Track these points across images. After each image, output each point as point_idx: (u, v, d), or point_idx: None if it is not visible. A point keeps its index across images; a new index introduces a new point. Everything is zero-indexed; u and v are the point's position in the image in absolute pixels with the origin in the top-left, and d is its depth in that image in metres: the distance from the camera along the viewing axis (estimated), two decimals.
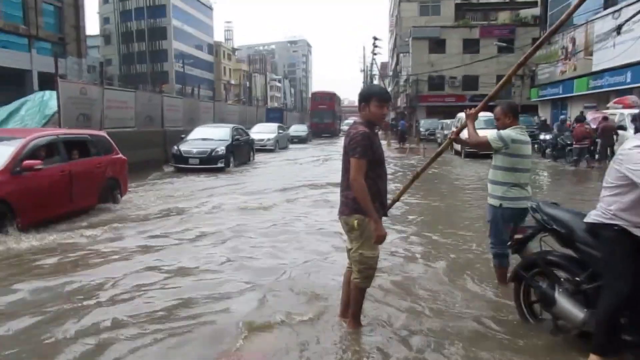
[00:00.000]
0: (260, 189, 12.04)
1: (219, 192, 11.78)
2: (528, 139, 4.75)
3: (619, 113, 18.15)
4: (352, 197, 3.61)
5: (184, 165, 16.28)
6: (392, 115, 51.96)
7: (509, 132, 4.63)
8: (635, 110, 17.70)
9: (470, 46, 43.46)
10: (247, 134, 20.70)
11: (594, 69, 25.87)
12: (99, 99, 15.01)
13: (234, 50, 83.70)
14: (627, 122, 16.94)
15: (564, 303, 3.50)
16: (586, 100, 27.34)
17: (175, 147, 16.69)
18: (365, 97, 3.71)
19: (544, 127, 24.78)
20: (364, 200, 3.52)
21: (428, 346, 3.74)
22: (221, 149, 16.55)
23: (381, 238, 3.61)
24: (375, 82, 64.03)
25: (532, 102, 36.29)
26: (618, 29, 22.87)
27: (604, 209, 3.26)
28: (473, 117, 4.74)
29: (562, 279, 3.59)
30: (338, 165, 3.96)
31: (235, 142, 17.77)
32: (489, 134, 4.72)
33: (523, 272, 3.88)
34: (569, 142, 18.16)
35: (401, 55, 55.62)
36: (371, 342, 3.79)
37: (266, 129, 27.98)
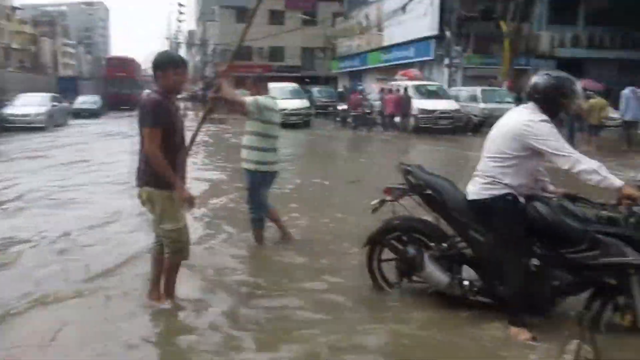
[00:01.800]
0: None
1: None
2: (278, 107, 5.08)
3: (404, 84, 20.49)
4: (143, 168, 3.47)
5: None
6: (200, 85, 49.77)
7: (264, 100, 4.85)
8: (416, 82, 20.14)
9: (276, 17, 44.34)
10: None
11: (385, 43, 29.15)
12: None
13: (13, 9, 72.33)
14: (411, 91, 19.26)
15: (431, 268, 3.57)
16: (379, 73, 30.14)
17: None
18: (160, 65, 3.47)
19: (342, 98, 26.49)
20: (162, 169, 3.34)
21: (256, 323, 3.50)
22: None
23: (188, 200, 3.46)
24: (182, 51, 61.49)
25: (333, 73, 38.80)
26: (403, 8, 25.54)
27: (493, 181, 3.30)
28: (226, 75, 4.93)
29: (430, 245, 3.69)
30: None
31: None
32: (248, 98, 4.84)
33: (382, 237, 3.84)
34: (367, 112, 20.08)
35: (208, 23, 54.24)
36: (186, 321, 3.53)
37: (34, 100, 21.99)
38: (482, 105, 18.50)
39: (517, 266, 3.24)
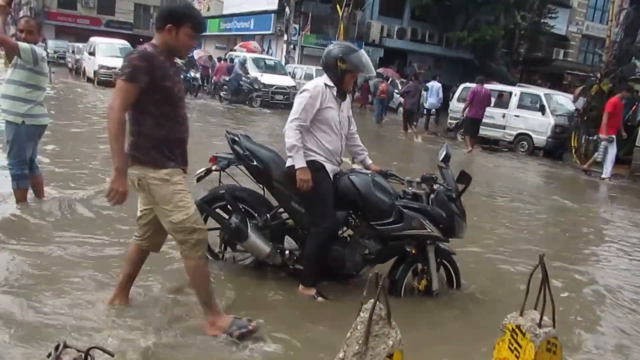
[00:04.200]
0: None
1: None
2: (45, 56, 4.61)
3: (242, 56, 20.38)
4: (130, 141, 2.73)
5: None
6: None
7: (41, 50, 4.50)
8: (255, 55, 20.14)
9: None
10: None
11: (225, 12, 28.25)
12: None
13: None
14: (249, 64, 19.21)
15: (255, 237, 3.59)
16: (218, 41, 29.45)
17: None
18: (179, 17, 2.74)
19: (190, 64, 24.70)
20: (111, 136, 2.58)
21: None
22: None
23: (114, 193, 2.63)
24: None
25: None
26: None
27: (302, 147, 3.43)
28: (3, 10, 4.29)
29: (254, 215, 3.72)
30: None
31: None
32: (24, 44, 4.31)
33: (207, 205, 3.74)
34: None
35: None
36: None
37: None
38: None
39: (319, 232, 3.44)
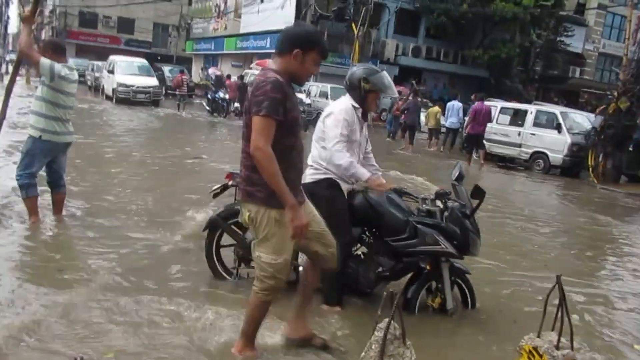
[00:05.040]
0: None
1: None
2: (75, 77, 4.78)
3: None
4: (245, 175, 2.64)
5: None
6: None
7: (60, 67, 4.56)
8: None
9: None
10: None
11: (242, 30, 28.95)
12: None
13: None
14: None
15: None
16: (234, 59, 29.82)
17: None
18: (307, 42, 2.62)
19: (219, 84, 24.30)
20: (272, 175, 2.46)
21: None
22: None
23: (299, 229, 2.54)
24: (13, 8, 54.28)
25: (188, 54, 37.43)
26: None
27: (317, 166, 3.45)
28: (29, 21, 4.56)
29: None
30: None
31: None
32: (45, 60, 4.49)
33: (222, 222, 3.75)
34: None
35: None
36: None
37: None
38: (331, 101, 19.28)
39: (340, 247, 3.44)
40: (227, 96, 19.08)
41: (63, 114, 4.67)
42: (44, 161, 4.72)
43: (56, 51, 4.69)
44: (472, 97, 15.57)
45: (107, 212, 5.35)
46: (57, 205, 4.98)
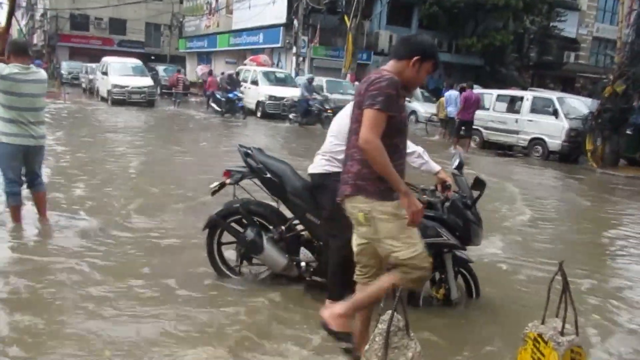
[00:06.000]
0: None
1: None
2: (32, 77, 4.56)
3: (252, 70, 20.55)
4: (356, 170, 2.59)
5: None
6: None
7: (3, 67, 4.44)
8: (265, 68, 20.34)
9: None
10: None
11: (234, 27, 28.77)
12: None
13: None
14: (260, 77, 19.39)
15: (270, 250, 3.62)
16: (227, 56, 29.72)
17: None
18: (425, 51, 2.66)
19: (234, 83, 23.58)
20: (384, 166, 2.44)
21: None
22: None
23: (416, 215, 2.48)
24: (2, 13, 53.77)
25: (181, 52, 37.30)
26: None
27: (330, 157, 3.39)
28: (1, 37, 4.72)
29: (270, 228, 3.75)
30: None
31: None
32: None
33: (222, 220, 3.80)
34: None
35: None
36: None
37: None
38: (328, 94, 19.21)
39: (341, 245, 3.36)
40: (243, 95, 18.56)
41: (18, 116, 4.49)
42: (14, 165, 4.61)
43: (16, 52, 4.58)
44: (458, 86, 15.88)
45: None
46: (39, 206, 4.93)
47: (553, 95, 14.49)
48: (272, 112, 18.30)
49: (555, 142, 13.03)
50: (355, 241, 2.76)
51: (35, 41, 49.69)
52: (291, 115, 17.05)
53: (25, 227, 4.77)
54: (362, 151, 2.50)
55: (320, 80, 20.66)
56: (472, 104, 13.45)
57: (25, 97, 4.52)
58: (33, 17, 51.14)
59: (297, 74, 23.48)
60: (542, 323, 2.12)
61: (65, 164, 7.93)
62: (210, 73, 22.96)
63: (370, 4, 24.97)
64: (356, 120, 2.58)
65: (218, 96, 18.68)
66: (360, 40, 23.77)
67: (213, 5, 31.96)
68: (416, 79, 2.69)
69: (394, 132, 2.56)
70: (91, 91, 24.82)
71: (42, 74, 4.73)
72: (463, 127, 13.82)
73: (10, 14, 4.53)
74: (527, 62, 30.08)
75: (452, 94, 15.58)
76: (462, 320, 3.51)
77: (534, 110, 13.65)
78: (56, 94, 20.97)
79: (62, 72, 33.53)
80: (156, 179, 7.37)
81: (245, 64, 23.28)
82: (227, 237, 3.88)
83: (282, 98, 18.37)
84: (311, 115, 16.01)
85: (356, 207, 2.59)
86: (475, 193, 3.52)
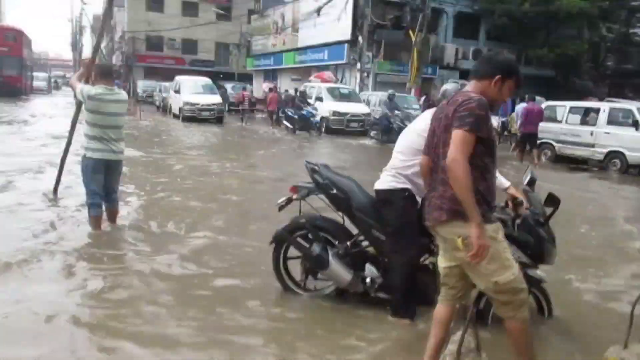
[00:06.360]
0: None
1: None
2: (115, 98, 4.99)
3: (317, 86, 20.84)
4: (451, 194, 2.53)
5: None
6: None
7: (89, 89, 4.91)
8: (329, 85, 20.56)
9: (190, 9, 43.22)
10: None
11: (299, 44, 29.24)
12: None
13: None
14: (324, 94, 19.63)
15: (336, 265, 3.63)
16: (293, 73, 30.29)
17: None
18: (507, 70, 2.66)
19: (304, 100, 23.89)
20: (466, 188, 2.41)
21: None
22: None
23: (482, 249, 2.42)
24: (87, 35, 57.80)
25: (248, 70, 38.46)
26: (317, 11, 25.89)
27: (396, 173, 3.43)
28: (88, 66, 5.35)
29: (335, 243, 3.77)
30: None
31: None
32: (81, 86, 5.00)
33: (288, 235, 3.84)
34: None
35: (116, 9, 51.55)
36: None
37: None
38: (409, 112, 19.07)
39: (405, 262, 3.39)
40: (316, 112, 18.42)
41: (102, 133, 4.92)
42: (96, 178, 5.01)
43: (102, 74, 5.07)
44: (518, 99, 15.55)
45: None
46: (111, 218, 5.32)
47: (633, 105, 13.67)
48: (336, 127, 18.43)
49: (635, 154, 12.26)
50: (443, 263, 2.72)
51: (114, 61, 52.96)
52: (372, 133, 17.03)
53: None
54: (447, 170, 2.47)
55: (384, 95, 20.60)
56: (535, 117, 13.37)
57: (109, 116, 4.97)
58: (112, 39, 54.62)
59: (361, 90, 23.57)
60: (625, 347, 2.00)
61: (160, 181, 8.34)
62: (272, 89, 23.49)
63: (436, 17, 24.74)
64: (446, 144, 2.54)
65: (290, 113, 18.77)
66: (426, 54, 23.54)
67: (280, 24, 32.78)
68: (499, 98, 2.67)
69: (485, 153, 2.56)
70: (164, 109, 26.08)
71: (124, 94, 5.21)
72: (527, 141, 13.46)
73: (97, 47, 5.18)
74: (604, 72, 28.58)
75: (521, 107, 15.08)
76: (535, 341, 3.35)
77: (611, 121, 12.94)
78: (132, 112, 22.18)
79: (138, 90, 35.44)
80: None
81: (310, 81, 23.63)
82: (293, 251, 3.93)
83: (347, 114, 18.48)
84: (392, 133, 15.31)
85: (454, 232, 2.53)
86: (549, 210, 3.38)
